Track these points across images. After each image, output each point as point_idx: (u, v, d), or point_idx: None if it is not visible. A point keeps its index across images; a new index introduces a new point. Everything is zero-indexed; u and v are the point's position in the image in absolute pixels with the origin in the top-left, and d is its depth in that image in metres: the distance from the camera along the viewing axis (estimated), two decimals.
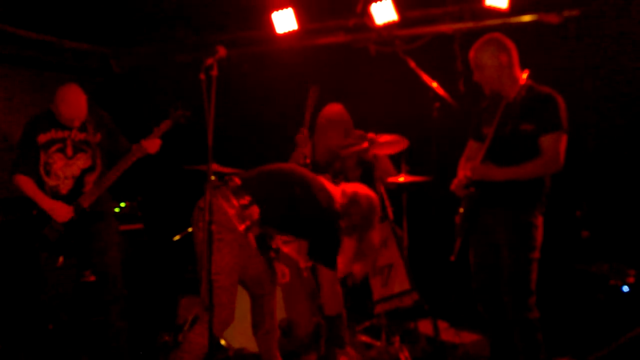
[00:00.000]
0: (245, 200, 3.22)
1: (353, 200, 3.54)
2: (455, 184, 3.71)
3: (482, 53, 3.58)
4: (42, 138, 4.02)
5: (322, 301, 3.63)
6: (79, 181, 4.03)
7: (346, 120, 4.76)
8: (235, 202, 3.22)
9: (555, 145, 3.40)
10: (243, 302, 3.61)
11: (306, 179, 3.45)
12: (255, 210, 3.23)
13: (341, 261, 3.56)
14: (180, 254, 5.47)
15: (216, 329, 3.15)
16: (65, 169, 4.04)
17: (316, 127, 4.80)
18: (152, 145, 4.10)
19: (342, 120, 4.75)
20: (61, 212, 3.95)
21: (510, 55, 3.56)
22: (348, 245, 3.64)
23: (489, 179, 3.52)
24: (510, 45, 3.58)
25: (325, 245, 3.44)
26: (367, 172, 4.81)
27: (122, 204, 5.47)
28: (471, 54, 3.64)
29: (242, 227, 3.19)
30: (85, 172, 4.05)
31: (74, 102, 4.00)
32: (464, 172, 3.73)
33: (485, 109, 3.77)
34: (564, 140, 3.43)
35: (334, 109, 4.79)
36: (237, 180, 3.28)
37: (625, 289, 4.00)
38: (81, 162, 4.07)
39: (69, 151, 4.06)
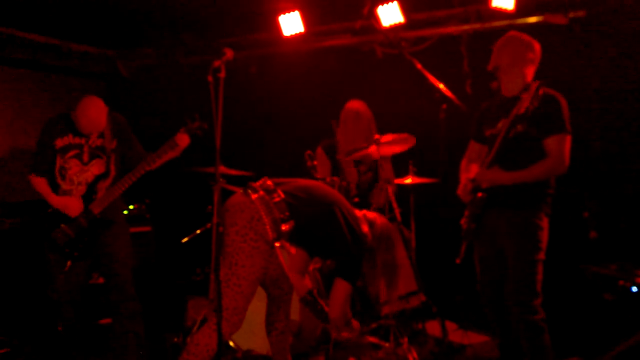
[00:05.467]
0: (285, 215, 3.22)
1: (371, 223, 3.57)
2: (461, 189, 3.72)
3: (510, 45, 3.60)
4: (60, 142, 4.04)
5: (329, 312, 3.62)
6: (91, 187, 4.04)
7: (370, 117, 4.79)
8: (276, 213, 3.20)
9: (561, 147, 3.42)
10: (251, 304, 3.62)
11: (344, 202, 3.45)
12: (289, 225, 3.24)
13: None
14: (189, 256, 5.50)
15: (225, 331, 3.14)
16: (79, 174, 4.06)
17: (341, 120, 4.79)
18: (183, 139, 4.07)
19: (367, 116, 4.78)
20: (72, 206, 3.97)
21: (535, 56, 3.61)
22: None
23: (497, 183, 3.53)
24: (537, 47, 3.62)
25: (351, 266, 3.44)
26: (377, 175, 4.82)
27: (131, 207, 5.50)
28: (499, 43, 3.64)
29: (271, 237, 3.20)
30: (98, 178, 4.06)
31: (94, 116, 4.01)
32: (466, 176, 3.75)
33: (487, 110, 3.79)
34: (568, 141, 3.45)
35: (358, 104, 4.81)
36: (281, 194, 3.26)
37: (634, 289, 3.99)
38: (95, 168, 4.08)
39: (85, 157, 4.07)
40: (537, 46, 3.62)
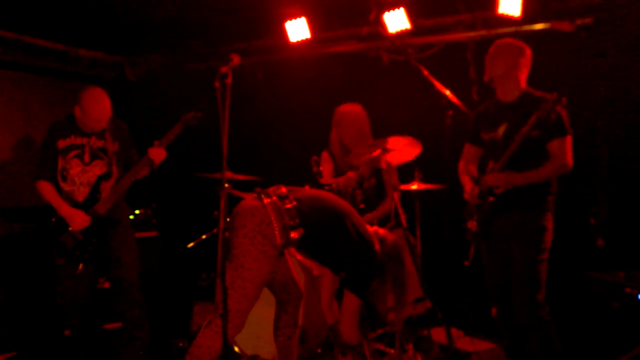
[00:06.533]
0: (295, 221, 3.21)
1: (382, 240, 3.56)
2: (468, 193, 3.76)
3: (502, 54, 3.68)
4: (62, 143, 4.07)
5: (342, 331, 3.62)
6: (94, 188, 4.06)
7: (365, 120, 4.77)
8: (286, 220, 3.20)
9: (564, 149, 3.57)
10: (257, 309, 3.62)
11: (357, 215, 3.45)
12: (299, 232, 3.24)
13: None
14: (195, 260, 5.50)
15: (228, 333, 3.15)
16: (81, 175, 4.08)
17: (333, 123, 4.78)
18: (158, 154, 4.10)
19: (361, 118, 4.76)
20: (78, 220, 3.99)
21: (527, 60, 3.70)
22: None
23: (511, 186, 3.60)
24: (528, 51, 3.70)
25: (361, 279, 3.44)
26: (382, 181, 4.81)
27: (137, 211, 5.51)
28: (491, 53, 3.72)
29: (279, 242, 3.21)
30: (101, 179, 4.08)
31: (100, 102, 4.03)
32: (470, 178, 3.80)
33: (483, 114, 3.86)
34: (569, 142, 3.59)
35: (352, 107, 4.79)
36: (293, 201, 3.26)
37: None
38: (97, 169, 4.11)
39: (87, 157, 4.10)
40: (527, 50, 3.71)
